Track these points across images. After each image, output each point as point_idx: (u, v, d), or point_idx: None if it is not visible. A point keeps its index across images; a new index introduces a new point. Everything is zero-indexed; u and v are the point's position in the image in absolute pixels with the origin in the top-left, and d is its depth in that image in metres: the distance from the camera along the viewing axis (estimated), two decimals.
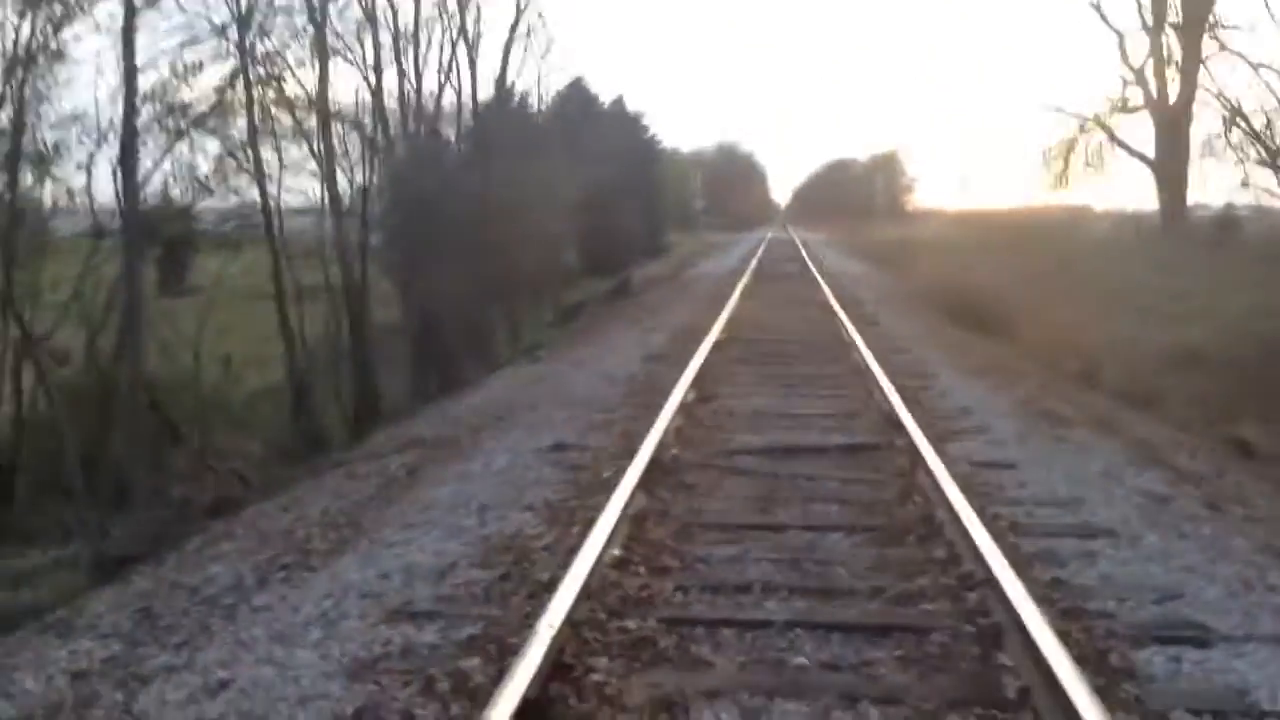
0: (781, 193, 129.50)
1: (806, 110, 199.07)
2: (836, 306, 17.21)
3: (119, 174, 14.08)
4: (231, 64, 16.92)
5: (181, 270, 31.90)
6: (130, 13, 13.81)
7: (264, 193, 18.87)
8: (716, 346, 12.57)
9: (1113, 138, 34.26)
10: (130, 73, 13.89)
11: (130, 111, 13.96)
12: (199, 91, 15.95)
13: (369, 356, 21.05)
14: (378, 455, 8.29)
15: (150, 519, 12.39)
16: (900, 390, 9.09)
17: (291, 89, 19.89)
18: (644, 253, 51.04)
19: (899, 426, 7.76)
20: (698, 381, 9.92)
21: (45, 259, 15.68)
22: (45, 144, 13.83)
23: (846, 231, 61.86)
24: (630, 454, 6.74)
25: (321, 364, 21.36)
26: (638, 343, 14.14)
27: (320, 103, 20.41)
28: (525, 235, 30.69)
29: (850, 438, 7.76)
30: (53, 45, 13.41)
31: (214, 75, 16.65)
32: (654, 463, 6.61)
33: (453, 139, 31.46)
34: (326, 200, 21.00)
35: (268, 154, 19.08)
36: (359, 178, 22.56)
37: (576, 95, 51.71)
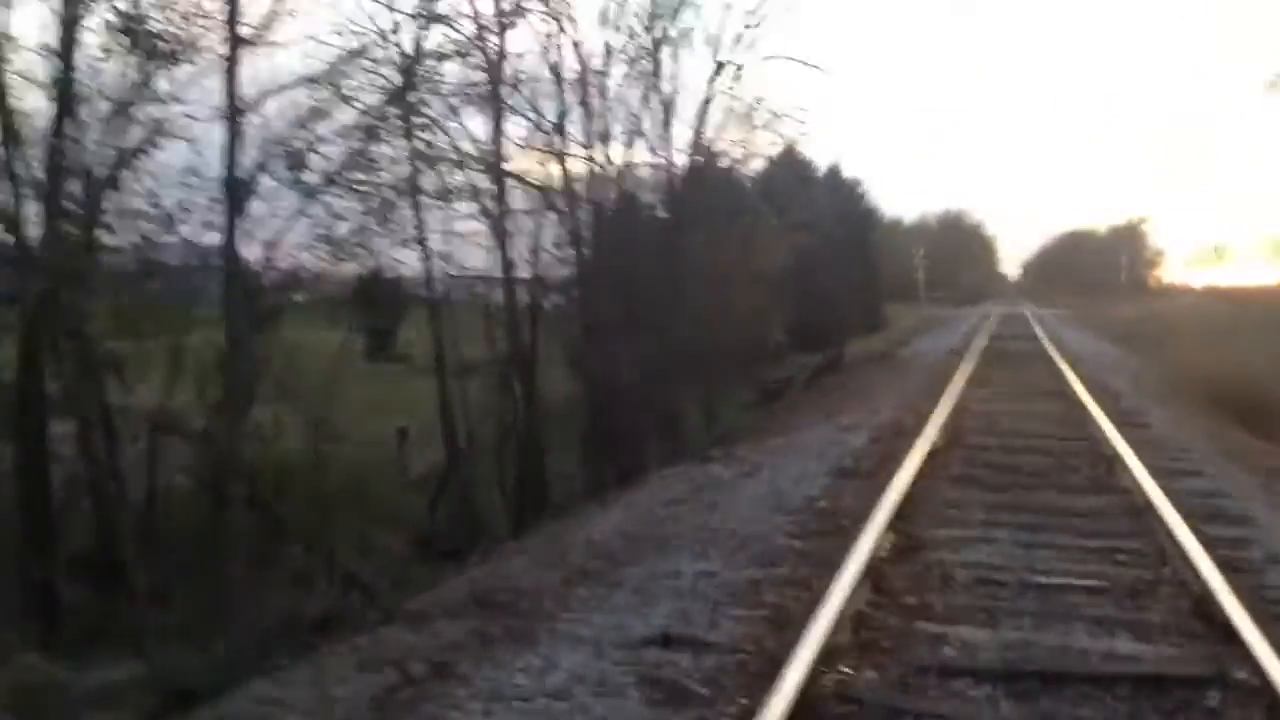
0: (1011, 265, 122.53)
1: (1040, 177, 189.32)
2: (1086, 399, 13.82)
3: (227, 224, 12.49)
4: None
5: (389, 336, 31.28)
6: (234, 45, 12.27)
7: (427, 254, 17.26)
8: (930, 457, 9.60)
9: None
10: (233, 111, 12.31)
11: (232, 158, 12.37)
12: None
13: (538, 438, 19.04)
14: (424, 618, 5.84)
15: (236, 639, 10.47)
16: (1206, 544, 5.99)
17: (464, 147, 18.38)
18: (859, 327, 47.80)
19: (1226, 630, 4.72)
20: (899, 517, 7.06)
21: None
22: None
23: (1086, 308, 56.56)
24: (772, 668, 4.08)
25: (487, 445, 19.51)
26: (831, 444, 11.31)
27: (494, 161, 18.74)
28: (725, 307, 28.30)
29: (1144, 646, 4.76)
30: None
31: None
32: (804, 701, 3.88)
33: (652, 203, 29.58)
34: (500, 263, 19.25)
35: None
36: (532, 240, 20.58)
37: (788, 161, 49.45)
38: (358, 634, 5.88)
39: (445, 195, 17.12)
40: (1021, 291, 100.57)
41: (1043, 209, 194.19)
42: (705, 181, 32.85)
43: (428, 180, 16.82)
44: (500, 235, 19.14)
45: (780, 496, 8.22)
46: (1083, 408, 13.32)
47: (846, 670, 4.34)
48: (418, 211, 16.93)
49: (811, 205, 47.17)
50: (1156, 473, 8.45)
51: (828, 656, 4.38)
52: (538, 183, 20.53)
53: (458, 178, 18.13)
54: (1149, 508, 7.35)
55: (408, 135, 15.99)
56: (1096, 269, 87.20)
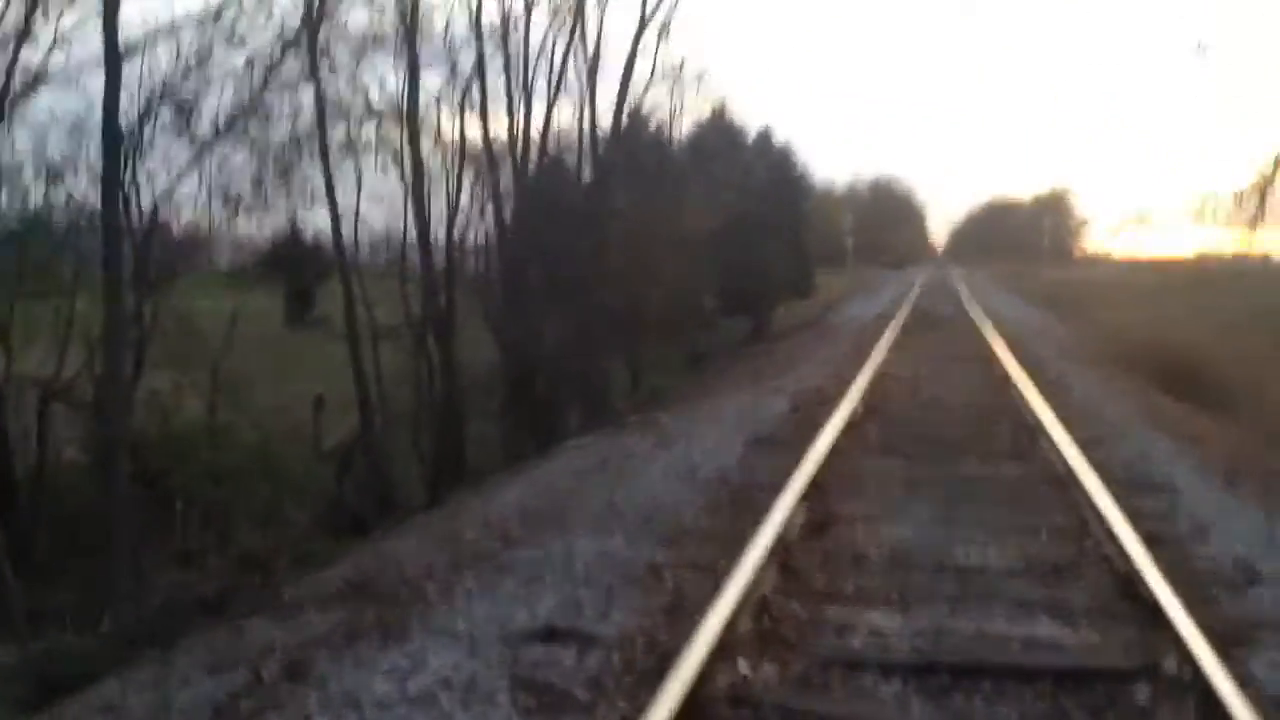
0: (939, 232, 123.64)
1: (967, 146, 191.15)
2: (1011, 364, 13.62)
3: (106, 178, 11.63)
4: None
5: (308, 300, 30.30)
6: None
7: (335, 214, 16.47)
8: (850, 426, 9.27)
9: None
10: (112, 53, 11.40)
11: (112, 104, 11.51)
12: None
13: (457, 406, 18.44)
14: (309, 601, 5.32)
15: (120, 622, 9.86)
16: (1132, 516, 5.72)
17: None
18: (789, 293, 47.62)
19: (1156, 613, 4.40)
20: (813, 489, 6.69)
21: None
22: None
23: (1011, 274, 57.05)
24: (661, 665, 3.68)
25: (406, 413, 18.87)
26: (751, 411, 10.93)
27: (410, 115, 17.94)
28: (651, 271, 27.82)
29: (1067, 633, 4.41)
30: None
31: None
32: (693, 705, 3.47)
33: (577, 165, 28.92)
34: (411, 225, 18.52)
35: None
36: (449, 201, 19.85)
37: (717, 125, 48.89)
38: (218, 626, 5.35)
39: (354, 149, 16.36)
40: (950, 258, 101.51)
41: (972, 177, 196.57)
42: (633, 142, 32.28)
43: (335, 134, 16.07)
44: (416, 194, 18.42)
45: (693, 469, 7.80)
46: (1005, 374, 13.11)
47: (743, 667, 3.92)
48: (326, 167, 16.17)
49: (742, 169, 46.80)
50: (1079, 440, 8.20)
51: (724, 651, 3.97)
52: (455, 142, 19.77)
53: (368, 131, 17.39)
54: (1069, 475, 7.07)
55: (313, 82, 15.18)
56: (1022, 237, 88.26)
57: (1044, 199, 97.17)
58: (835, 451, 8.01)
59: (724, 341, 33.15)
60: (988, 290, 42.22)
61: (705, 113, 48.26)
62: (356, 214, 17.66)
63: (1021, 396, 11.01)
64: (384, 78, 18.00)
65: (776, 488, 6.49)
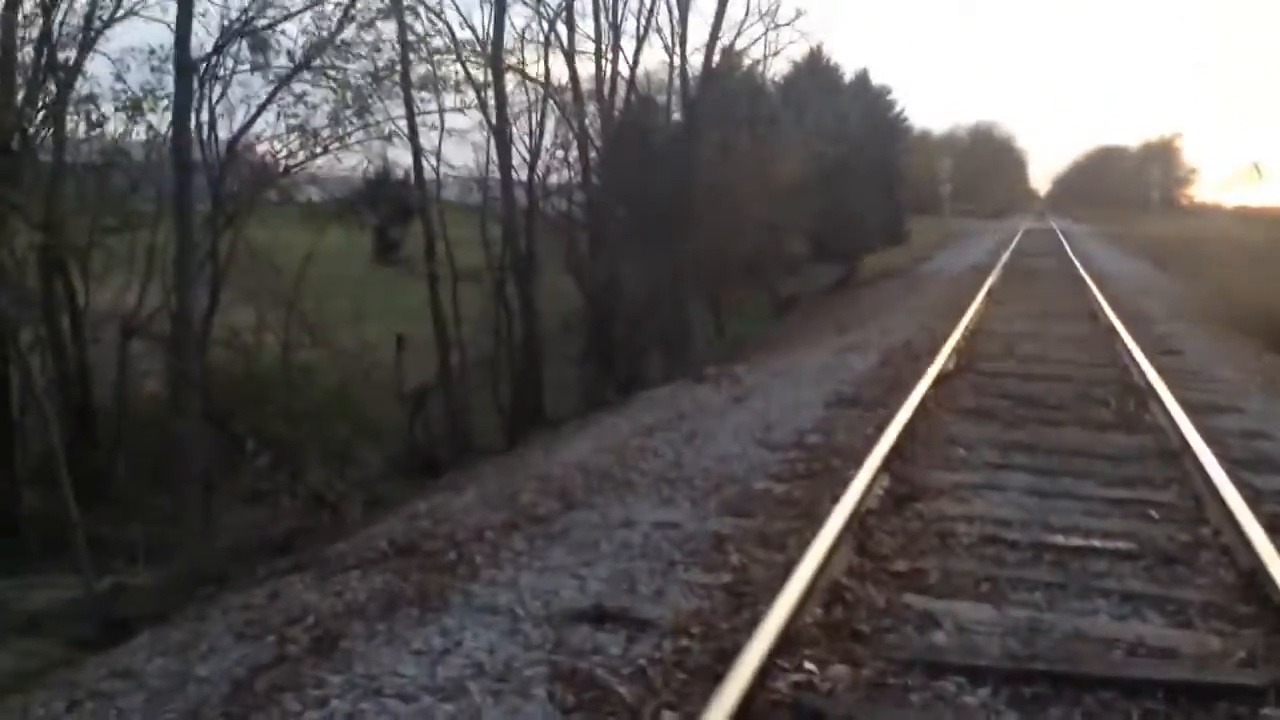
0: (1042, 180, 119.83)
1: (1073, 90, 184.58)
2: (1116, 323, 12.80)
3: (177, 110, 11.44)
4: None
5: (394, 239, 30.28)
6: None
7: (416, 152, 16.20)
8: (940, 384, 8.70)
9: None
10: None
11: (185, 33, 11.27)
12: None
13: (536, 351, 18.17)
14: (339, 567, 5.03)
15: (188, 562, 9.82)
16: (1251, 499, 5.13)
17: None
18: (881, 240, 46.42)
19: None
20: (896, 455, 6.19)
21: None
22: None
23: (1117, 225, 54.80)
24: (717, 662, 3.30)
25: (484, 358, 18.67)
26: (834, 367, 10.40)
27: (494, 51, 17.50)
28: (739, 217, 27.15)
29: (1182, 636, 3.89)
30: None
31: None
32: (746, 715, 3.06)
33: (666, 108, 28.24)
34: (495, 163, 18.16)
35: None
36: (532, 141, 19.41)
37: (813, 67, 47.53)
38: (259, 584, 5.10)
39: (435, 87, 15.98)
40: (1052, 207, 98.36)
41: (1076, 124, 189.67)
42: (724, 85, 31.45)
43: (417, 71, 15.71)
44: (500, 134, 18.04)
45: (769, 428, 7.34)
46: (1111, 331, 12.34)
47: (809, 666, 3.49)
48: (408, 104, 15.85)
49: (837, 113, 45.52)
50: (1192, 408, 7.53)
51: (788, 645, 3.54)
52: (541, 80, 19.24)
53: (452, 69, 17.00)
54: (1185, 448, 6.44)
55: (396, 18, 14.80)
56: (1128, 186, 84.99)
57: (1152, 146, 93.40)
58: (922, 413, 7.47)
59: (812, 288, 32.36)
60: (1091, 242, 40.56)
61: (801, 54, 47.15)
62: (439, 154, 17.38)
63: (1129, 355, 10.29)
64: (469, 13, 17.61)
65: (857, 453, 6.02)
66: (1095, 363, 10.44)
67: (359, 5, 13.50)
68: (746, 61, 32.96)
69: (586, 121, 20.88)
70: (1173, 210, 76.48)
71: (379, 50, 14.70)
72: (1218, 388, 9.33)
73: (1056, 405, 8.17)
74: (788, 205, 32.40)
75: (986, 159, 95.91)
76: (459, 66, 17.21)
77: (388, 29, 14.82)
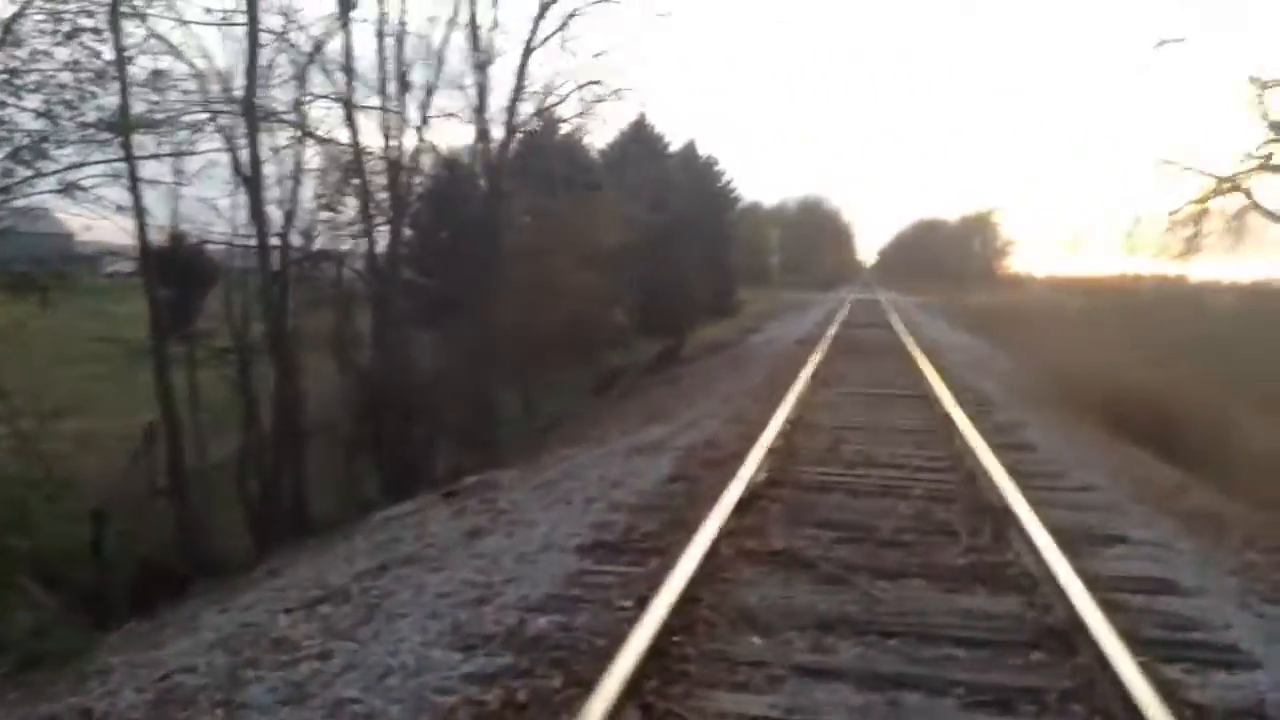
0: (867, 252, 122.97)
1: (895, 167, 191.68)
2: (953, 410, 11.02)
3: None
4: None
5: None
6: None
7: (140, 211, 13.41)
8: (741, 510, 6.55)
9: (1252, 200, 26.89)
10: None
11: None
12: None
13: (293, 443, 15.39)
14: None
15: None
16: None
17: None
18: (710, 311, 45.12)
19: None
20: (656, 659, 3.94)
21: None
22: None
23: (940, 295, 55.27)
24: None
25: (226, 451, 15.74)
26: (618, 478, 8.15)
27: (248, 103, 14.90)
28: (554, 287, 25.01)
29: None
30: None
31: None
32: None
33: (478, 172, 25.99)
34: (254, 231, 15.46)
35: None
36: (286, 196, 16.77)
37: (638, 134, 46.32)
38: None
39: (162, 127, 13.28)
40: (877, 278, 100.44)
41: (900, 198, 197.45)
42: (540, 146, 29.49)
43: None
44: (253, 188, 15.38)
45: (486, 598, 4.97)
46: (948, 420, 10.53)
47: None
48: (128, 151, 13.09)
49: (663, 180, 44.26)
50: (1065, 539, 5.61)
51: None
52: (319, 133, 16.63)
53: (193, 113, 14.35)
54: (1077, 630, 4.41)
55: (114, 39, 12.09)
56: (949, 257, 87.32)
57: (970, 220, 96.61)
58: (710, 564, 5.27)
59: (637, 362, 30.39)
60: (917, 312, 40.08)
61: (626, 123, 45.90)
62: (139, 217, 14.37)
63: (973, 457, 8.41)
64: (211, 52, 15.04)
65: (597, 654, 3.76)
66: (936, 466, 8.50)
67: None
68: (564, 127, 31.08)
69: (370, 181, 18.37)
70: (992, 280, 78.62)
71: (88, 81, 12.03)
72: (1085, 500, 7.48)
73: (892, 539, 6.09)
74: (610, 275, 30.52)
75: (814, 231, 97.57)
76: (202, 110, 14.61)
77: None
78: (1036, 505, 6.56)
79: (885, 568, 5.48)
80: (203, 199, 15.10)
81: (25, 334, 13.21)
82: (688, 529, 5.87)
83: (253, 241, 15.64)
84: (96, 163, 12.70)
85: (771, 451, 8.55)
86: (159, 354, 14.10)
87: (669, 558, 5.30)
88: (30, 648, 9.16)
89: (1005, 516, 6.50)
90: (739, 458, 8.13)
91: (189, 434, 15.21)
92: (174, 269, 18.53)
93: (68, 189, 12.38)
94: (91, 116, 12.24)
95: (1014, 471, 7.70)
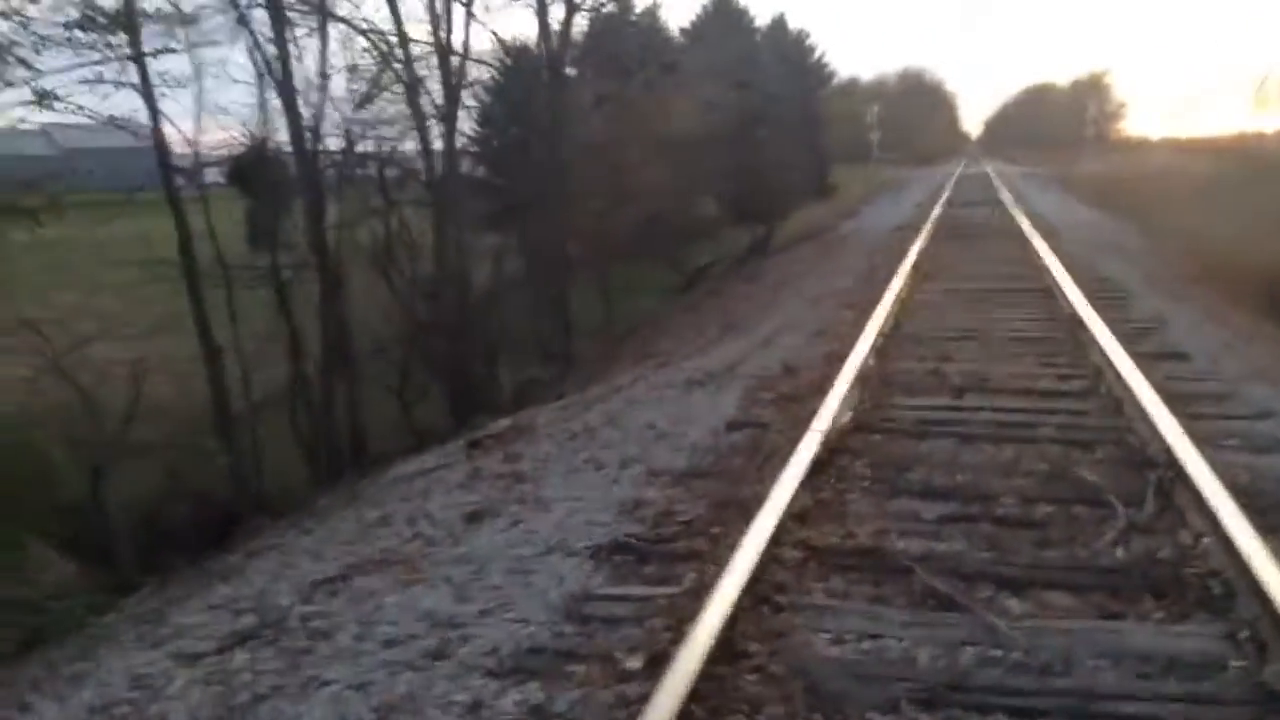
0: (973, 123, 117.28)
1: (1002, 32, 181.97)
2: (1081, 304, 9.19)
3: None
4: None
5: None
6: None
7: (154, 114, 12.11)
8: (828, 455, 5.06)
9: None
10: None
11: None
12: None
13: (343, 372, 14.22)
14: None
15: None
16: None
17: None
18: (805, 195, 42.79)
19: None
20: (707, 685, 2.51)
21: None
22: None
23: (1053, 165, 51.64)
24: None
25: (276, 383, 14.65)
26: (668, 426, 6.65)
27: None
28: (628, 181, 23.29)
29: None
30: None
31: None
32: None
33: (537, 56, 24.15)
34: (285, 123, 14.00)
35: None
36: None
37: (721, 8, 43.63)
38: None
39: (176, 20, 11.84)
40: (984, 149, 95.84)
41: (1005, 65, 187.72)
42: (614, 28, 27.49)
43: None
44: (285, 92, 13.95)
45: (439, 654, 3.56)
46: (1076, 320, 8.74)
47: None
48: (134, 40, 11.71)
49: (749, 59, 41.65)
50: (1261, 505, 4.00)
51: None
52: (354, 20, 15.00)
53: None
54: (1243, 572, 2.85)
55: None
56: (1060, 124, 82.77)
57: (1082, 83, 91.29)
58: (761, 590, 3.77)
59: (725, 255, 28.63)
60: (1028, 185, 37.10)
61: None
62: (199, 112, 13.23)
63: (1112, 370, 6.71)
64: None
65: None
66: (1069, 390, 6.80)
67: None
68: (638, 5, 28.87)
69: (417, 73, 16.78)
70: (1106, 146, 73.92)
71: None
72: (1273, 433, 5.73)
73: (1019, 518, 4.50)
74: (692, 164, 28.60)
75: (916, 104, 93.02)
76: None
77: None
78: (1208, 448, 4.93)
79: (1012, 574, 3.91)
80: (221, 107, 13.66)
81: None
82: (742, 512, 4.39)
83: (288, 147, 14.31)
84: (92, 64, 11.37)
85: (861, 379, 6.95)
86: (191, 275, 12.97)
87: (708, 569, 3.84)
88: (27, 623, 8.24)
89: (1171, 473, 4.85)
90: (819, 390, 6.58)
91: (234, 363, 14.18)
92: (258, 176, 16.86)
93: (43, 98, 11.12)
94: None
95: (1169, 394, 6.01)
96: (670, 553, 4.22)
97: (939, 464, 5.29)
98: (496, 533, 4.80)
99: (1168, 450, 5.07)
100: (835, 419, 5.88)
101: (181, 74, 13.21)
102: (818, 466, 5.10)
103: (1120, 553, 4.10)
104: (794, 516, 4.43)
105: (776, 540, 4.14)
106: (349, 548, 5.10)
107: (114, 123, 12.53)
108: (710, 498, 4.84)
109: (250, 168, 18.33)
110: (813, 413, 5.92)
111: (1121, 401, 6.27)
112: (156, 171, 13.19)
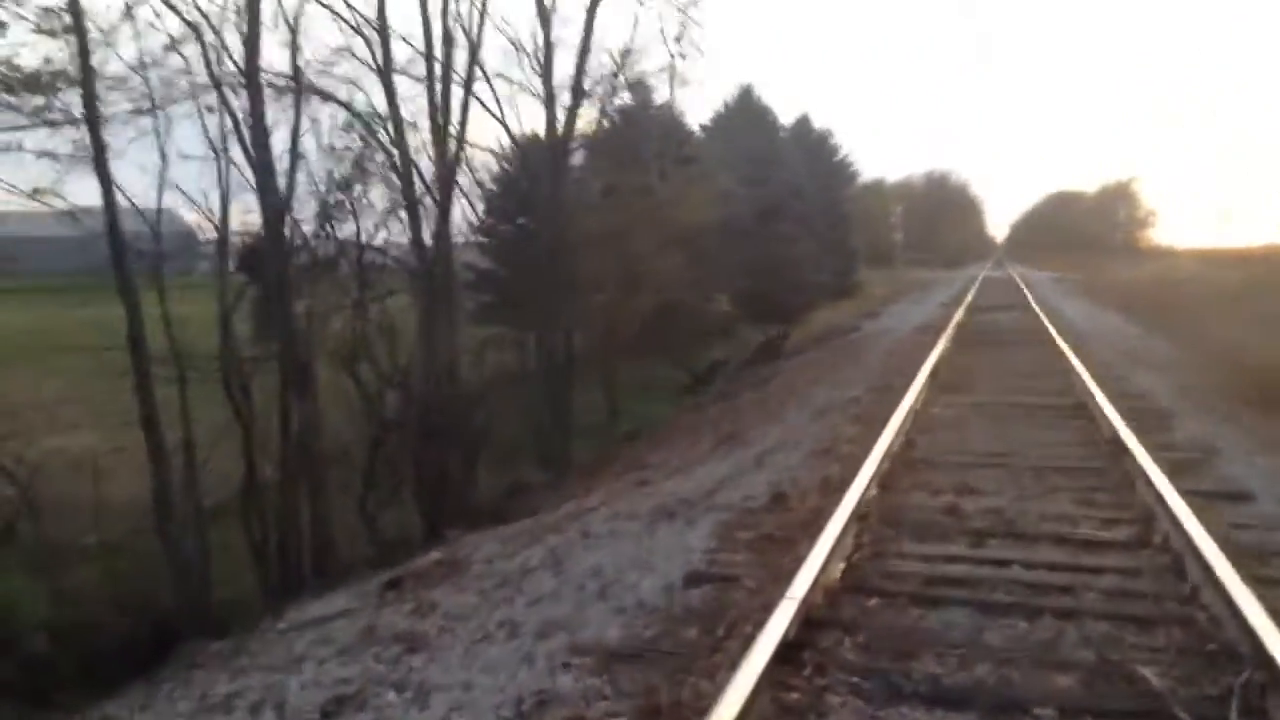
0: (998, 227, 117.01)
1: (1026, 138, 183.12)
2: (1118, 425, 7.98)
3: None
4: None
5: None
6: None
7: (106, 184, 11.25)
8: (805, 629, 3.83)
9: None
10: None
11: None
12: None
13: (309, 475, 13.05)
14: None
15: None
16: None
17: None
18: (827, 293, 41.81)
19: None
20: None
21: None
22: None
23: (1080, 271, 50.53)
24: None
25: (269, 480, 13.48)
26: (635, 563, 5.45)
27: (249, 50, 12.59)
28: (636, 275, 22.33)
29: None
30: None
31: None
32: None
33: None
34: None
35: None
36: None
37: (744, 105, 43.25)
38: None
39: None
40: (1010, 254, 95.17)
41: (1031, 170, 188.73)
42: (628, 120, 26.85)
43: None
44: (260, 164, 13.09)
45: None
46: (1117, 445, 7.51)
47: None
48: (92, 124, 10.91)
49: (771, 156, 41.11)
50: None
51: None
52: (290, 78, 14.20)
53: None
54: None
55: None
56: (1086, 230, 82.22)
57: (1110, 189, 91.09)
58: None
59: (735, 357, 27.51)
60: (1056, 292, 35.95)
61: (730, 96, 42.92)
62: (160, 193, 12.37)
63: (1162, 506, 5.49)
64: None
65: None
66: (1114, 541, 5.54)
67: None
68: (657, 99, 28.23)
69: (408, 160, 15.92)
70: (1132, 253, 72.96)
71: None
72: None
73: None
74: (706, 258, 27.73)
75: (941, 205, 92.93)
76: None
77: None
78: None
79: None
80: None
81: None
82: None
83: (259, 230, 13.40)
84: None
85: (859, 515, 5.74)
86: (140, 367, 11.94)
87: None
88: None
89: (1262, 675, 3.60)
90: (809, 530, 5.39)
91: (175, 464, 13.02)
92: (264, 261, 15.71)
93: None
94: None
95: (1238, 550, 4.81)
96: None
97: (952, 648, 4.03)
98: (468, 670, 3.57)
99: (1252, 637, 3.83)
100: (819, 576, 4.65)
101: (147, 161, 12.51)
102: (790, 651, 3.86)
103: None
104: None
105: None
106: None
107: (73, 213, 11.77)
108: (637, 698, 3.59)
109: (259, 255, 17.45)
110: (797, 563, 4.71)
111: (1182, 558, 5.03)
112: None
